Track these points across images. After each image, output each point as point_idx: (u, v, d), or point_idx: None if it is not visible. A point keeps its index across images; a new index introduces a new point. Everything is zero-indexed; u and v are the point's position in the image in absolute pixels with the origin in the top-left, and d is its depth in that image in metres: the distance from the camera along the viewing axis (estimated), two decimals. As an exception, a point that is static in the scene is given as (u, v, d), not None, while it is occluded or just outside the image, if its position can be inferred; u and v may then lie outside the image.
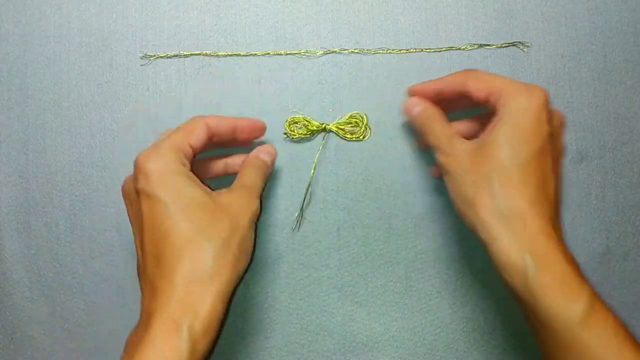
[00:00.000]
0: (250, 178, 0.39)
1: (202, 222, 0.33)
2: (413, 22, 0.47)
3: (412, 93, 0.42)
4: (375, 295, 0.46)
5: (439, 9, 0.47)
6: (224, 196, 0.36)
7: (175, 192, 0.33)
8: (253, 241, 0.36)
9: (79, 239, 0.46)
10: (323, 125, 0.46)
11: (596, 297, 0.33)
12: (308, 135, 0.46)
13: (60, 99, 0.46)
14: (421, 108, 0.41)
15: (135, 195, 0.35)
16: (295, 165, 0.46)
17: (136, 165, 0.34)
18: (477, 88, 0.38)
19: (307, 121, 0.46)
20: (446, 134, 0.39)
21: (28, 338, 0.46)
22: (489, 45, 0.47)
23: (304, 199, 0.46)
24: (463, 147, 0.37)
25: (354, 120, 0.46)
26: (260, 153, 0.41)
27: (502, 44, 0.47)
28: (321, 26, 0.47)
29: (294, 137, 0.46)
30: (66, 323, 0.46)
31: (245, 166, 0.40)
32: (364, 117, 0.46)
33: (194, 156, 0.37)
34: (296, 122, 0.46)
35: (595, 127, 0.47)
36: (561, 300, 0.32)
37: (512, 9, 0.47)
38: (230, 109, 0.46)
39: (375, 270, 0.46)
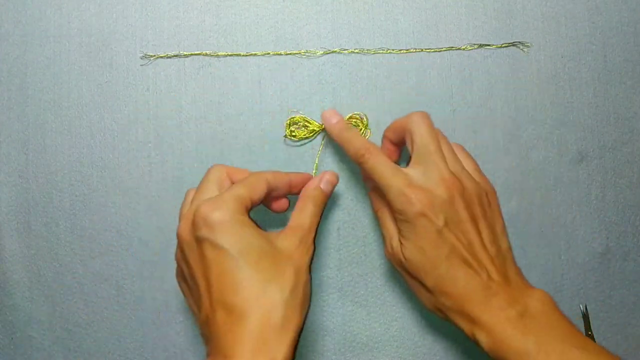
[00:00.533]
0: (307, 216, 0.38)
1: (270, 272, 0.34)
2: (413, 22, 0.47)
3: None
4: (375, 295, 0.46)
5: (439, 9, 0.47)
6: (285, 241, 0.36)
7: (241, 242, 0.34)
8: (310, 283, 0.36)
9: (79, 239, 0.46)
10: (323, 126, 0.46)
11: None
12: (309, 137, 0.46)
13: (60, 99, 0.46)
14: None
15: (195, 243, 0.35)
16: (295, 165, 0.46)
17: (198, 214, 0.34)
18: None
19: (307, 122, 0.46)
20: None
21: (28, 338, 0.46)
22: (489, 45, 0.47)
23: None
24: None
25: (354, 120, 0.46)
26: (322, 182, 0.40)
27: (502, 44, 0.47)
28: (321, 26, 0.47)
29: (294, 139, 0.46)
30: (66, 323, 0.46)
31: (304, 200, 0.39)
32: (364, 117, 0.46)
33: (251, 209, 0.38)
34: (296, 123, 0.46)
35: (595, 127, 0.47)
36: None
37: (512, 9, 0.47)
38: (230, 109, 0.46)
39: (375, 270, 0.46)
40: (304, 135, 0.46)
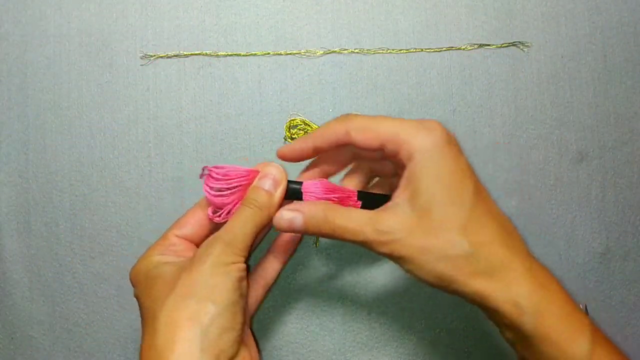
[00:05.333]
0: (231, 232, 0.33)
1: None
2: (413, 22, 0.47)
3: (282, 156, 0.36)
4: (375, 295, 0.46)
5: (439, 9, 0.47)
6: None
7: None
8: (242, 318, 0.32)
9: (79, 239, 0.46)
10: (323, 126, 0.46)
11: (596, 328, 0.32)
12: (308, 136, 0.46)
13: (60, 99, 0.46)
14: (302, 215, 0.34)
15: None
16: (296, 164, 0.46)
17: None
18: (365, 138, 0.33)
19: (306, 124, 0.46)
20: (364, 220, 0.32)
21: (28, 338, 0.46)
22: (489, 45, 0.47)
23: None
24: (396, 225, 0.32)
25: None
26: (261, 182, 0.35)
27: (502, 44, 0.47)
28: (321, 26, 0.47)
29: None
30: (66, 323, 0.46)
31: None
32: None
33: None
34: (295, 125, 0.46)
35: (595, 127, 0.47)
36: (567, 339, 0.31)
37: (512, 9, 0.47)
38: (230, 109, 0.46)
39: (375, 270, 0.46)
40: (304, 135, 0.46)
